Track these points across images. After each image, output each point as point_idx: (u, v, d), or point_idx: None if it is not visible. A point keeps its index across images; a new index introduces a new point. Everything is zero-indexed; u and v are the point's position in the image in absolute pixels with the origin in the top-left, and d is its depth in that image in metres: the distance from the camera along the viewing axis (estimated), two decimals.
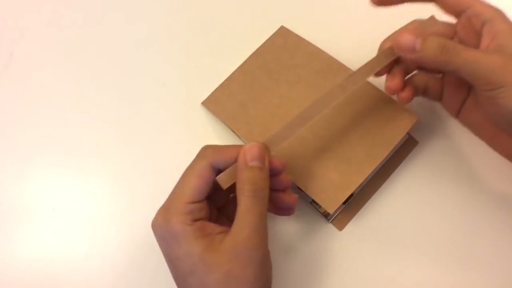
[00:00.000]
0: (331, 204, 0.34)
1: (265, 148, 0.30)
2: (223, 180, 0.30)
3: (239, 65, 0.40)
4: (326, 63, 0.38)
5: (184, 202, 0.29)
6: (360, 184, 0.35)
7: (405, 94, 0.34)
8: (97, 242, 0.37)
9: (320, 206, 0.35)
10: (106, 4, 0.44)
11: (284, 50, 0.40)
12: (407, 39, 0.31)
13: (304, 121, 0.32)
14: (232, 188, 0.30)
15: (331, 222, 0.36)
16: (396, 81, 0.34)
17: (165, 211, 0.30)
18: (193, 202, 0.29)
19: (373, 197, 0.37)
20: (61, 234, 0.38)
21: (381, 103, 0.36)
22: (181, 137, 0.40)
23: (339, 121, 0.36)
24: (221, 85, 0.39)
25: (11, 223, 0.38)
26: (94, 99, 0.41)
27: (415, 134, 0.38)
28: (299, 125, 0.32)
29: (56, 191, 0.39)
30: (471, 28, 0.33)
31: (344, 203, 0.35)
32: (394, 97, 0.35)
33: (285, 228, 0.36)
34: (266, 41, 0.40)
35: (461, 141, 0.38)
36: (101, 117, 0.40)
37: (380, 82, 0.36)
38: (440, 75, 0.35)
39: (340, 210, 0.36)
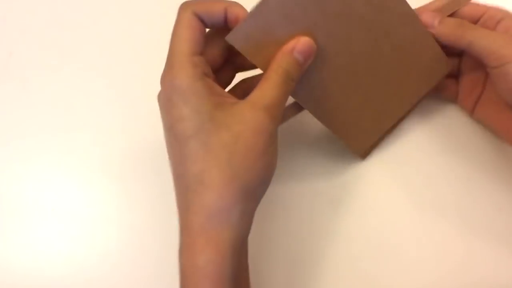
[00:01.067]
0: (359, 148, 0.36)
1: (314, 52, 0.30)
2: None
3: None
4: None
5: (186, 55, 0.27)
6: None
7: None
8: (96, 242, 0.37)
9: None
10: (106, 3, 0.44)
11: None
12: (427, 16, 0.34)
13: None
14: (238, 65, 0.32)
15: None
16: None
17: (169, 70, 0.28)
18: (195, 54, 0.28)
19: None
20: (61, 235, 0.37)
21: (423, 47, 0.35)
22: None
23: (382, 68, 0.34)
24: (252, 14, 0.29)
25: (10, 223, 0.38)
26: (95, 98, 0.41)
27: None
28: None
29: (55, 191, 0.39)
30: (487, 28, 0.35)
31: None
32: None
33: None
34: None
35: None
36: (101, 117, 0.40)
37: None
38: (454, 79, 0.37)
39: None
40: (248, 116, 0.27)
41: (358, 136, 0.36)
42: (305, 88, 0.32)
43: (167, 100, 0.28)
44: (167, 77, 0.28)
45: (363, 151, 0.37)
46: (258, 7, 0.29)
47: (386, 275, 0.36)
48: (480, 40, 0.32)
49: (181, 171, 0.27)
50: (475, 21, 0.35)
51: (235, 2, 0.29)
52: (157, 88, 0.41)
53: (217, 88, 0.29)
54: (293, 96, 0.32)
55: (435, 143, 0.38)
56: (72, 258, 0.37)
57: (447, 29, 0.33)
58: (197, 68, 0.27)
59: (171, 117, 0.27)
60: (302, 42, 0.29)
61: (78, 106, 0.41)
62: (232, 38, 0.29)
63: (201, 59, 0.28)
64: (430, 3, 0.36)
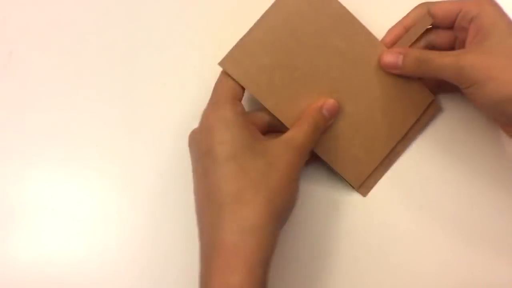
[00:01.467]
0: (356, 180, 0.37)
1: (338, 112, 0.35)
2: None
3: (258, 18, 0.35)
4: (353, 28, 0.36)
5: (229, 97, 0.32)
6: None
7: None
8: (96, 242, 0.37)
9: None
10: (105, 3, 0.44)
11: (308, 5, 0.35)
12: (390, 59, 0.35)
13: None
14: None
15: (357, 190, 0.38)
16: None
17: (213, 105, 0.32)
18: (237, 99, 0.33)
19: (397, 162, 0.38)
20: (61, 235, 0.37)
21: (403, 80, 0.37)
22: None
23: (365, 97, 0.36)
24: (240, 44, 0.35)
25: (10, 223, 0.38)
26: (95, 98, 0.41)
27: (443, 100, 0.39)
28: None
29: (55, 191, 0.39)
30: (463, 29, 0.34)
31: None
32: None
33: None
34: None
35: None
36: (101, 116, 0.40)
37: None
38: None
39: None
40: (281, 151, 0.31)
41: (354, 168, 0.37)
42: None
43: (209, 127, 0.31)
44: (210, 109, 0.32)
45: (360, 183, 0.37)
46: (243, 38, 0.34)
47: (386, 276, 0.36)
48: (441, 72, 0.33)
49: (214, 190, 0.29)
50: (452, 23, 0.35)
51: (334, 103, 0.35)
52: (158, 87, 0.41)
53: (253, 126, 0.33)
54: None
55: (434, 146, 0.38)
56: (72, 258, 0.37)
57: (410, 69, 0.35)
58: (238, 107, 0.32)
59: (212, 140, 0.30)
60: (329, 103, 0.35)
61: (78, 106, 0.41)
62: (223, 63, 0.34)
63: (240, 103, 0.33)
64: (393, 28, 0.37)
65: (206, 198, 0.30)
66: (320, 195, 0.38)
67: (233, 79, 0.33)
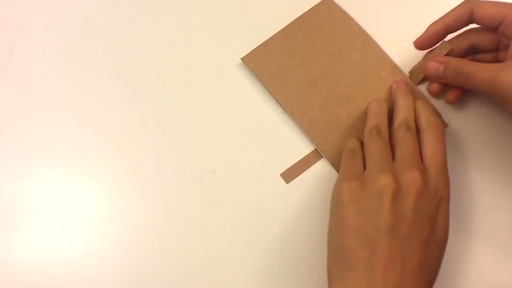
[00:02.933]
0: (335, 160, 0.38)
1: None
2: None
3: (281, 28, 0.41)
4: (367, 45, 0.40)
5: None
6: None
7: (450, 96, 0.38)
8: (97, 242, 0.37)
9: None
10: (105, 3, 0.44)
11: (328, 22, 0.41)
12: (433, 67, 0.36)
13: None
14: None
15: None
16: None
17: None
18: None
19: None
20: (61, 234, 0.37)
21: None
22: (187, 137, 0.40)
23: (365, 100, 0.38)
24: (263, 44, 0.40)
25: (10, 223, 0.38)
26: (95, 98, 0.41)
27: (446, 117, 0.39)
28: None
29: (55, 191, 0.39)
30: (506, 36, 0.34)
31: None
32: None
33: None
34: (311, 9, 0.41)
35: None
36: (102, 116, 0.40)
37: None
38: None
39: None
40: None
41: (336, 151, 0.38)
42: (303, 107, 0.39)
43: None
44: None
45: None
46: (267, 41, 0.40)
47: None
48: (480, 86, 0.33)
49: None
50: (495, 28, 0.34)
51: None
52: (160, 86, 0.41)
53: None
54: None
55: None
56: (72, 258, 0.37)
57: (450, 80, 0.36)
58: None
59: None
60: None
61: (78, 106, 0.41)
62: (245, 59, 0.40)
63: None
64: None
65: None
66: (321, 195, 0.38)
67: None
